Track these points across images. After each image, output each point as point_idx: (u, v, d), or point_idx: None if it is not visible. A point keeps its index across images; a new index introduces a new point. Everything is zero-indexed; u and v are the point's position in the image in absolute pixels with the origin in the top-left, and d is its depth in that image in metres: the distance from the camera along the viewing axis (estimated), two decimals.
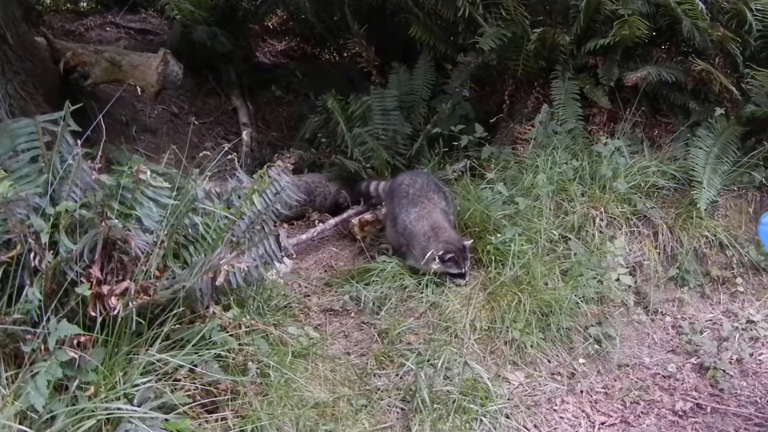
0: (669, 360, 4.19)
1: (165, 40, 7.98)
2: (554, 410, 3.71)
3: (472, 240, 4.56)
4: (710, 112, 5.08)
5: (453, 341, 3.85)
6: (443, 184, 5.05)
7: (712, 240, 4.75)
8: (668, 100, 5.44)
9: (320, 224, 5.27)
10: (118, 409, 2.64)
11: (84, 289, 2.75)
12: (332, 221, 5.32)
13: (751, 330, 4.31)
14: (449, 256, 4.31)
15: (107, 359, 2.80)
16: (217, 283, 2.96)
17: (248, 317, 3.39)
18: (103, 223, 2.82)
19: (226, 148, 3.64)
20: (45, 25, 7.62)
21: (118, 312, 2.77)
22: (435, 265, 4.30)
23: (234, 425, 2.97)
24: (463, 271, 4.35)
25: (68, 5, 9.37)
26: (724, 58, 5.21)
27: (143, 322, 2.90)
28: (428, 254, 4.33)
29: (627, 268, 4.48)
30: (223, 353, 3.10)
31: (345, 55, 8.10)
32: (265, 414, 3.04)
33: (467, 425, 3.33)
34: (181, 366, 2.91)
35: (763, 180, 4.91)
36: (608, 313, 4.32)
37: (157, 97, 6.04)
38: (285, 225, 3.73)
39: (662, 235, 4.74)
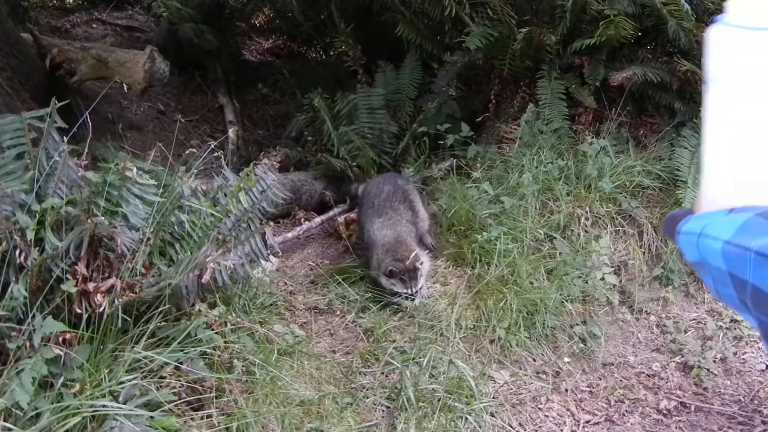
0: (653, 359, 4.21)
1: (151, 38, 7.97)
2: (539, 409, 3.73)
3: (433, 258, 4.56)
4: (695, 112, 5.09)
5: (438, 340, 3.86)
6: (413, 189, 4.99)
7: None
8: (654, 100, 5.46)
9: (306, 222, 5.28)
10: (104, 406, 2.64)
11: (70, 286, 2.75)
12: (318, 219, 5.32)
13: (735, 329, 4.34)
14: (390, 270, 4.21)
15: (93, 356, 2.79)
16: (203, 281, 2.97)
17: (234, 315, 3.40)
18: (89, 220, 2.82)
19: (212, 146, 3.65)
20: (31, 21, 7.58)
21: (104, 309, 2.77)
22: (383, 281, 4.25)
23: (219, 423, 2.96)
24: (411, 292, 4.20)
25: (54, 2, 9.32)
26: None
27: (129, 319, 2.90)
28: (381, 267, 4.28)
29: (612, 267, 4.51)
30: (208, 351, 3.11)
31: (331, 53, 8.11)
32: (251, 412, 3.04)
33: (452, 423, 3.34)
34: (167, 363, 2.91)
35: None
36: (593, 312, 4.34)
37: (143, 95, 6.03)
38: (271, 223, 3.72)
39: (647, 234, 4.77)
